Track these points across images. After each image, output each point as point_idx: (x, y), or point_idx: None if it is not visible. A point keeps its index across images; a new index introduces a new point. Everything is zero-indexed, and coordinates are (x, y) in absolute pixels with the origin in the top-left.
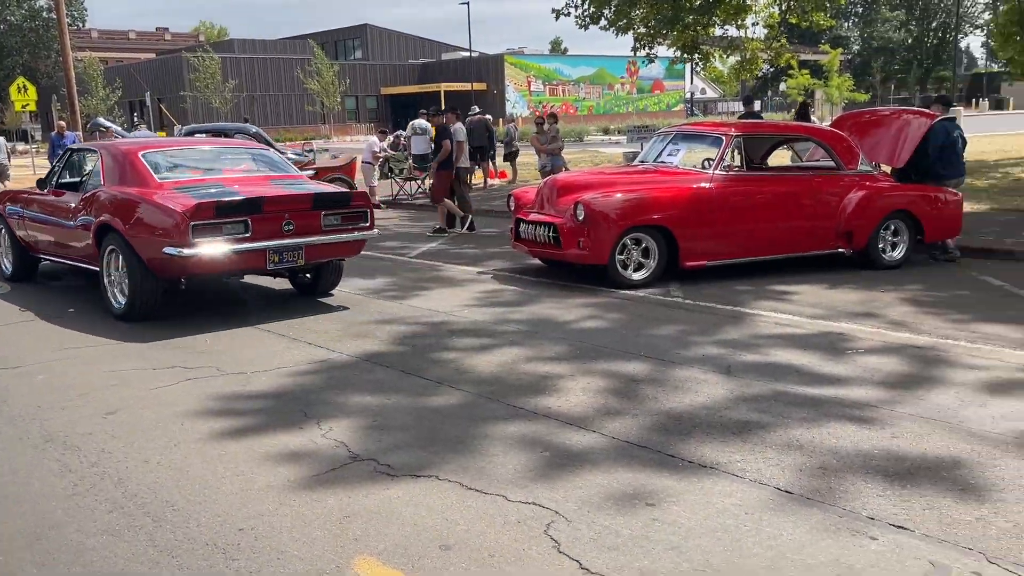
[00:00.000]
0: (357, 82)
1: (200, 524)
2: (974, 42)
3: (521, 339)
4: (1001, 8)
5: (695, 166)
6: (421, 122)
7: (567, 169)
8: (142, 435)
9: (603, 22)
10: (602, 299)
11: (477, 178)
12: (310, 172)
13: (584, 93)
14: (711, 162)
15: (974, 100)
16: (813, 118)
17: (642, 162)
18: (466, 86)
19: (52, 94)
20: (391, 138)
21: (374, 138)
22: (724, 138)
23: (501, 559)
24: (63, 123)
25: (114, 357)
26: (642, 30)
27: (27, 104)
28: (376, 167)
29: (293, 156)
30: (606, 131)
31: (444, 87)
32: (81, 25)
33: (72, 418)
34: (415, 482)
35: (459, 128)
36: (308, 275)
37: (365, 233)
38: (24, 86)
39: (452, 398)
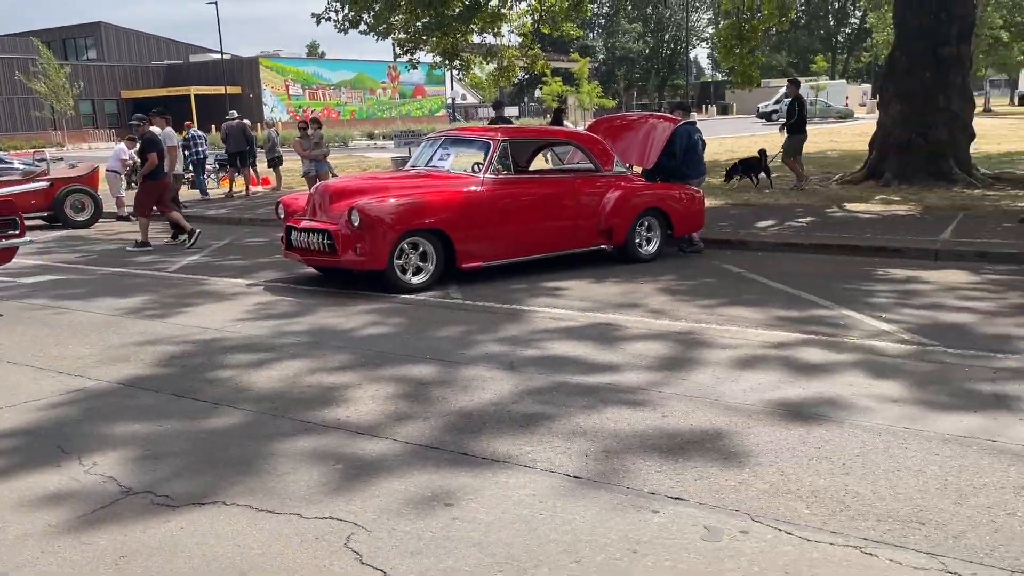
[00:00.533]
0: (93, 84)
1: None
2: (701, 53)
3: (302, 351)
4: (721, 24)
5: (466, 170)
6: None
7: (334, 175)
8: None
9: (363, 27)
10: (382, 304)
11: (238, 186)
12: (44, 183)
13: (346, 97)
14: (481, 166)
15: (704, 106)
16: (567, 122)
17: (413, 167)
18: (219, 89)
19: None
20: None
21: (121, 145)
22: (492, 143)
23: None
24: None
25: None
26: (403, 36)
27: None
28: (123, 176)
29: (21, 165)
30: (371, 136)
31: (194, 91)
32: None
33: None
34: (200, 511)
35: (168, 133)
36: None
37: (13, 241)
38: None
39: (232, 418)
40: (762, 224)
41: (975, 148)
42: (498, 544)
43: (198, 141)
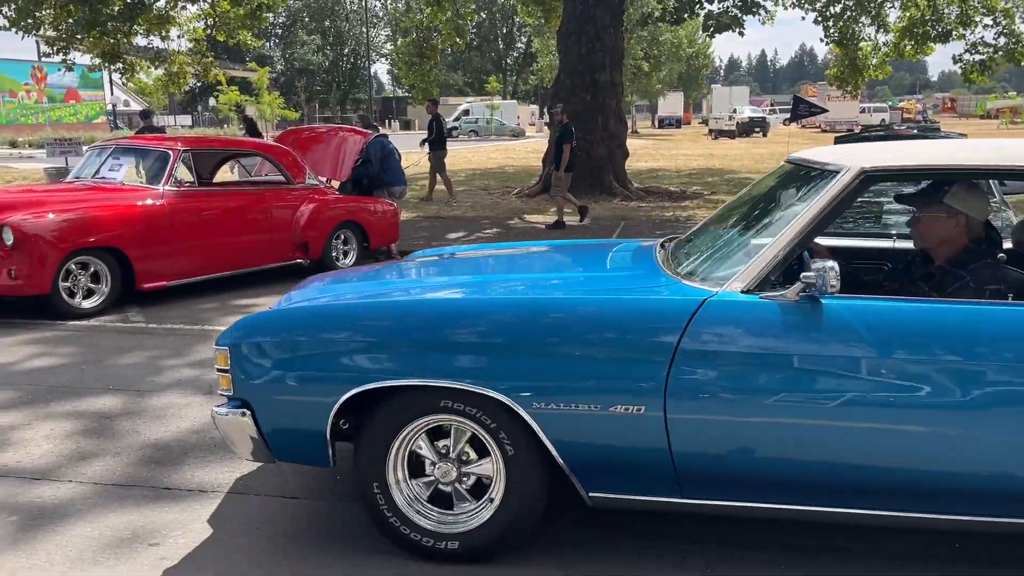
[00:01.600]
0: None
1: None
2: (381, 69)
3: None
4: (400, 40)
5: (142, 182)
6: None
7: None
8: None
9: (2, 21)
10: (48, 333)
11: None
12: None
13: None
14: (160, 178)
15: (387, 121)
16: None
17: (77, 178)
18: None
19: None
20: None
21: None
22: (171, 152)
23: None
24: None
25: None
26: (52, 33)
27: None
28: None
29: None
30: (13, 144)
31: None
32: None
33: None
34: None
35: None
36: None
37: None
38: None
39: None
40: (453, 236)
41: (628, 165)
42: None
43: None
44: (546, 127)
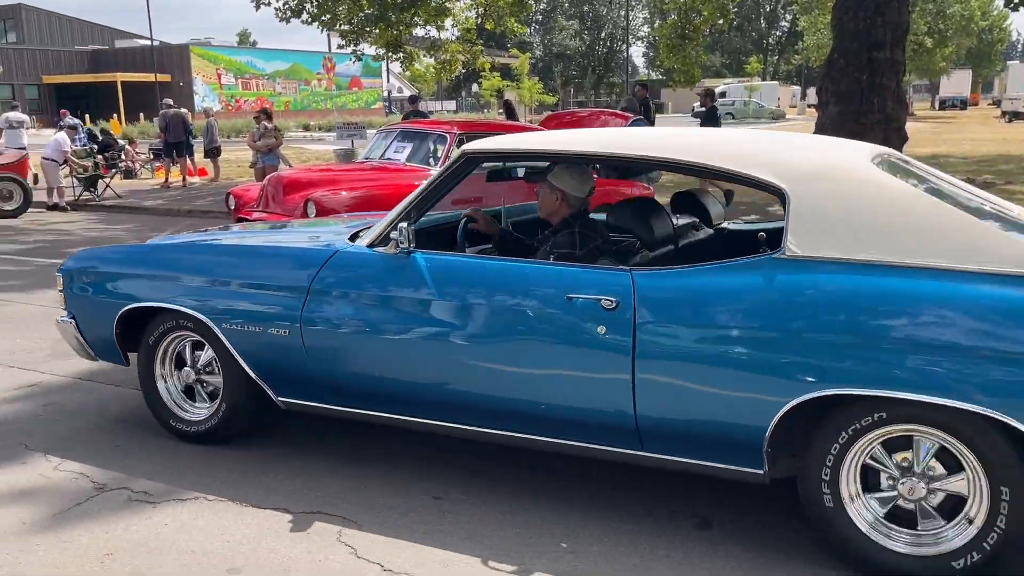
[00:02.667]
0: (13, 69)
1: None
2: (636, 52)
3: None
4: (657, 24)
5: (422, 163)
6: (16, 114)
7: (289, 166)
8: None
9: (305, 16)
10: None
11: (175, 176)
12: None
13: (280, 88)
14: (437, 158)
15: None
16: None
17: (367, 159)
18: (148, 77)
19: None
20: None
21: (63, 135)
22: (448, 135)
23: (298, 573)
24: None
25: None
26: (346, 27)
27: None
28: (62, 165)
29: None
30: (306, 127)
31: (121, 77)
32: None
33: None
34: (181, 506)
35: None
36: None
37: None
38: None
39: None
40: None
41: (905, 151)
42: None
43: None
44: (808, 109)
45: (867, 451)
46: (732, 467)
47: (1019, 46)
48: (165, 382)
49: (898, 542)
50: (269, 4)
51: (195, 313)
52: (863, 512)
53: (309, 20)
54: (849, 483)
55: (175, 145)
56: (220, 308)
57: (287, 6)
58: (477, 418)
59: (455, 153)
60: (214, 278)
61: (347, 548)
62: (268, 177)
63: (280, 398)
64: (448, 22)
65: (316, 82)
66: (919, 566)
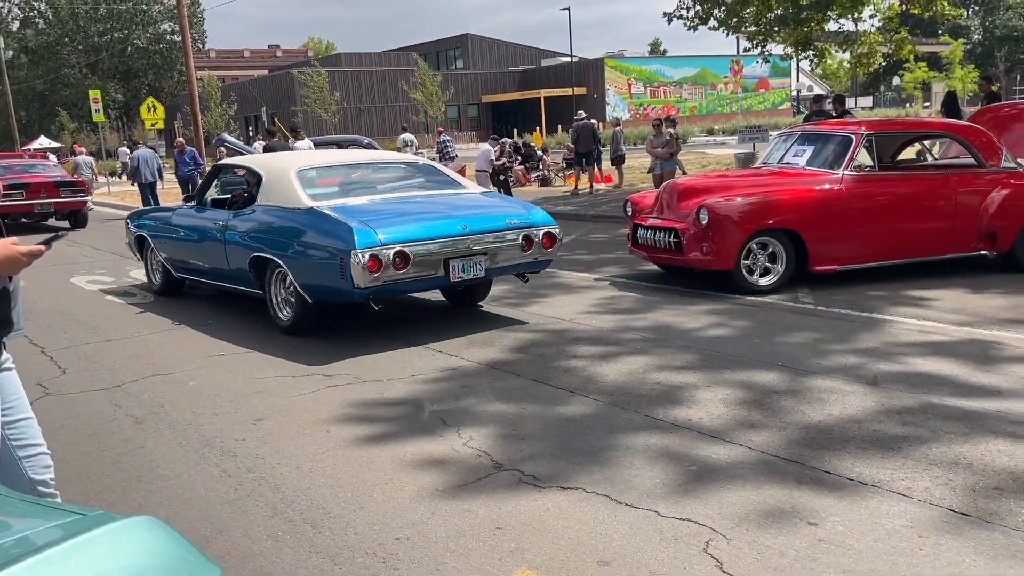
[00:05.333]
0: (459, 91)
1: (357, 532)
2: None
3: (647, 347)
4: None
5: (822, 167)
6: (408, 136)
7: (685, 173)
8: (291, 441)
9: (712, 22)
10: (726, 305)
11: (583, 183)
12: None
13: (686, 94)
14: (840, 162)
15: None
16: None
17: (765, 163)
18: (567, 91)
19: (176, 112)
20: (499, 147)
21: (487, 146)
22: (854, 137)
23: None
24: (182, 140)
25: (255, 365)
26: (753, 28)
27: (156, 122)
28: (488, 175)
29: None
30: (710, 132)
31: (544, 93)
32: (201, 46)
33: (225, 424)
34: (562, 494)
35: (302, 145)
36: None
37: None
38: (153, 105)
39: (585, 407)
40: None
41: None
42: (871, 574)
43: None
44: None
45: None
46: (247, 289)
47: None
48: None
49: None
50: (680, 16)
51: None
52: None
53: (716, 26)
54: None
55: (584, 155)
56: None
57: (695, 15)
58: (211, 276)
59: (211, 166)
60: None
61: (712, 560)
62: (664, 184)
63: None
64: (867, 12)
65: (723, 86)
66: None
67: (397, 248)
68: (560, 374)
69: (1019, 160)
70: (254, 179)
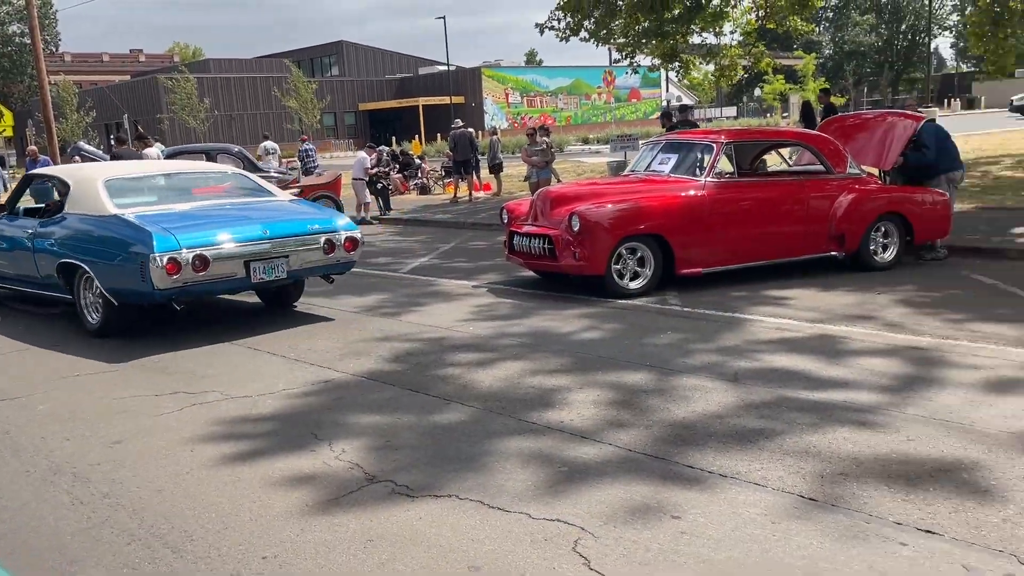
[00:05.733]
0: (335, 99)
1: (222, 554)
2: (943, 43)
3: (523, 352)
4: (969, 10)
5: (686, 174)
6: (270, 143)
7: (560, 181)
8: (151, 463)
9: (583, 34)
10: (600, 309)
11: (462, 191)
12: (295, 190)
13: (562, 104)
14: (703, 169)
15: (946, 100)
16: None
17: (633, 171)
18: (445, 100)
19: (27, 118)
20: (375, 155)
21: (363, 154)
22: (715, 145)
23: None
24: (35, 148)
25: (114, 384)
26: (622, 40)
27: (3, 130)
28: (365, 184)
29: (276, 175)
30: (585, 141)
31: (422, 101)
32: (54, 49)
33: (78, 449)
34: (435, 502)
35: (151, 152)
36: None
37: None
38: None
39: (461, 415)
40: (1019, 230)
41: None
42: (729, 563)
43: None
44: None
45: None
46: (58, 294)
47: None
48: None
49: None
50: (552, 28)
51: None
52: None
53: (587, 37)
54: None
55: (462, 163)
56: None
57: (567, 27)
58: (24, 284)
59: (22, 176)
60: None
61: (580, 559)
62: (537, 192)
63: None
64: (727, 26)
65: (596, 96)
66: None
67: (197, 252)
68: (436, 382)
69: (863, 167)
70: (63, 188)
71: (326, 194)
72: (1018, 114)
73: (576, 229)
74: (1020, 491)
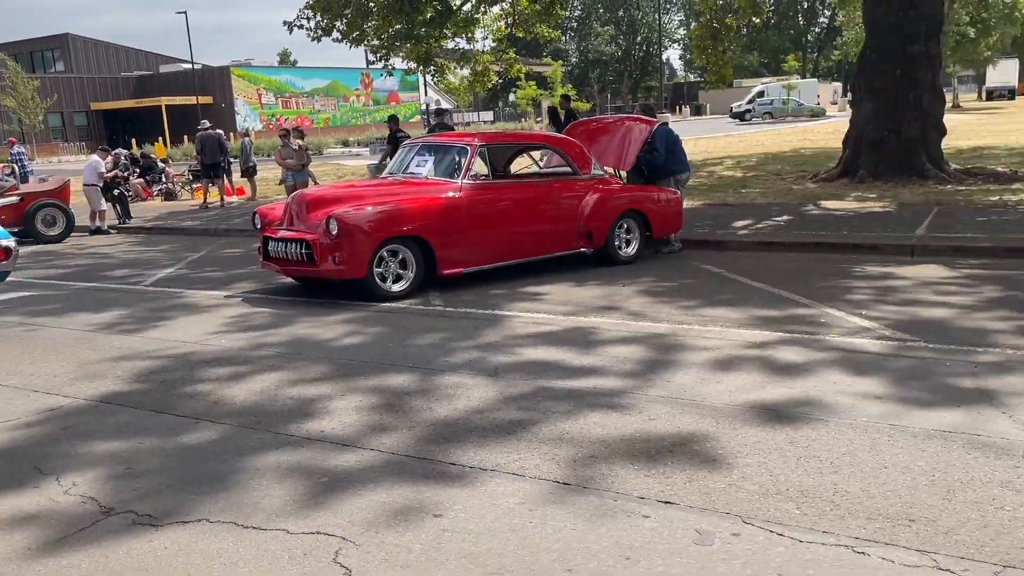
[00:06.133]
0: (62, 97)
1: None
2: (673, 55)
3: (280, 362)
4: (693, 25)
5: (443, 176)
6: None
7: (317, 184)
8: None
9: (336, 34)
10: (362, 313)
11: (212, 196)
12: (14, 198)
13: (319, 105)
14: (459, 172)
15: (677, 107)
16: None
17: (391, 174)
18: (191, 100)
19: None
20: (111, 158)
21: (96, 157)
22: (469, 148)
23: None
24: None
25: None
26: (376, 42)
27: None
28: (100, 189)
29: None
30: (345, 143)
31: (165, 101)
32: None
33: None
34: (183, 529)
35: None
36: None
37: None
38: None
39: (212, 433)
40: (739, 224)
41: (946, 144)
42: (489, 555)
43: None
44: (848, 106)
45: None
46: None
47: None
48: None
49: None
50: (302, 27)
51: None
52: None
53: (340, 39)
54: None
55: (211, 166)
56: None
57: (318, 26)
58: None
59: None
60: None
61: (341, 569)
62: (292, 195)
63: None
64: (479, 33)
65: (355, 98)
66: None
67: None
68: (183, 401)
69: (605, 168)
70: None
71: (52, 202)
72: (738, 120)
73: (335, 232)
74: (743, 457)
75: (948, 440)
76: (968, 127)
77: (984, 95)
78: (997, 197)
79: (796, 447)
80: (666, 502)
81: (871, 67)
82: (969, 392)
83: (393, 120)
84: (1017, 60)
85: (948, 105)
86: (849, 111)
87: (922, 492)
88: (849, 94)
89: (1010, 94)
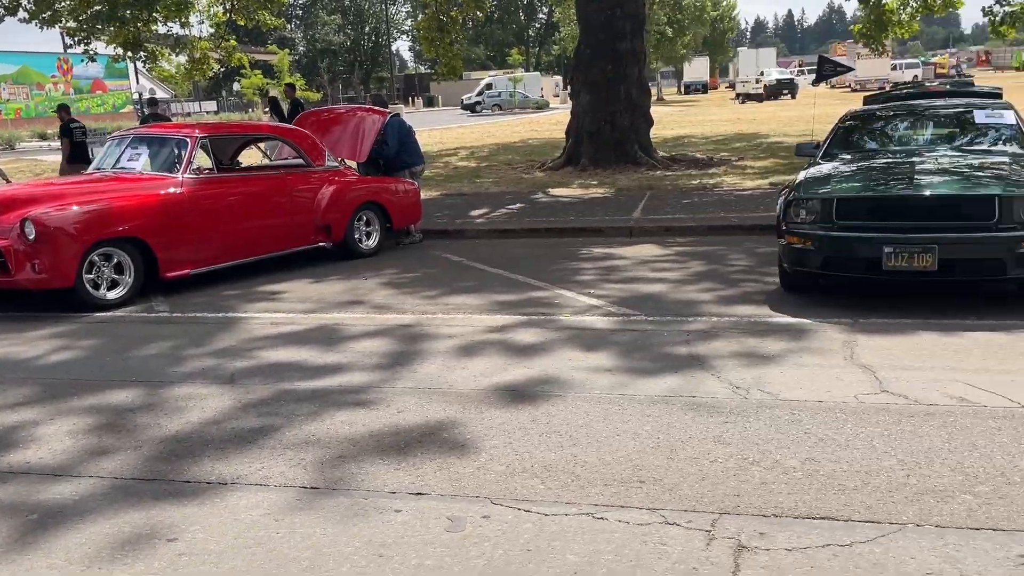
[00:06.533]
0: None
1: None
2: (403, 46)
3: None
4: (420, 17)
5: (161, 170)
6: None
7: (9, 181)
8: None
9: (23, 14)
10: (73, 326)
11: None
12: None
13: (8, 94)
14: (179, 165)
15: (410, 98)
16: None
17: (98, 169)
18: None
19: None
20: None
21: None
22: (189, 140)
23: None
24: None
25: None
26: (72, 24)
27: None
28: None
29: None
30: (43, 136)
31: None
32: None
33: None
34: None
35: None
36: None
37: None
38: None
39: None
40: (475, 212)
41: (654, 133)
42: (233, 573)
43: None
44: (569, 99)
45: None
46: None
47: (747, 33)
48: None
49: None
50: None
51: None
52: None
53: (27, 19)
54: None
55: None
56: None
57: (2, 4)
58: None
59: None
60: None
61: None
62: None
63: None
64: (194, 18)
65: (51, 86)
66: None
67: None
68: None
69: (340, 159)
70: None
71: None
72: (469, 112)
73: (32, 237)
74: (489, 439)
75: (669, 404)
76: (671, 118)
77: (683, 89)
78: (698, 181)
79: (538, 424)
80: (417, 493)
81: (586, 62)
82: (684, 358)
83: (64, 109)
84: (707, 57)
85: (653, 98)
86: (570, 103)
87: (649, 455)
88: (568, 87)
89: (703, 88)
